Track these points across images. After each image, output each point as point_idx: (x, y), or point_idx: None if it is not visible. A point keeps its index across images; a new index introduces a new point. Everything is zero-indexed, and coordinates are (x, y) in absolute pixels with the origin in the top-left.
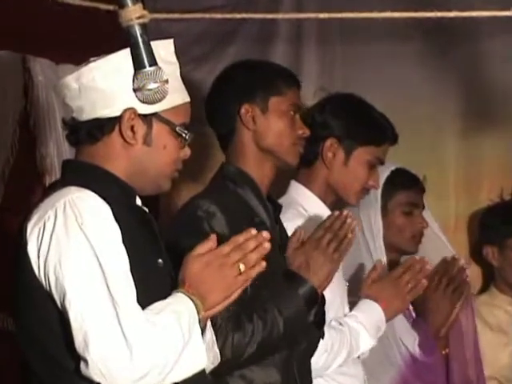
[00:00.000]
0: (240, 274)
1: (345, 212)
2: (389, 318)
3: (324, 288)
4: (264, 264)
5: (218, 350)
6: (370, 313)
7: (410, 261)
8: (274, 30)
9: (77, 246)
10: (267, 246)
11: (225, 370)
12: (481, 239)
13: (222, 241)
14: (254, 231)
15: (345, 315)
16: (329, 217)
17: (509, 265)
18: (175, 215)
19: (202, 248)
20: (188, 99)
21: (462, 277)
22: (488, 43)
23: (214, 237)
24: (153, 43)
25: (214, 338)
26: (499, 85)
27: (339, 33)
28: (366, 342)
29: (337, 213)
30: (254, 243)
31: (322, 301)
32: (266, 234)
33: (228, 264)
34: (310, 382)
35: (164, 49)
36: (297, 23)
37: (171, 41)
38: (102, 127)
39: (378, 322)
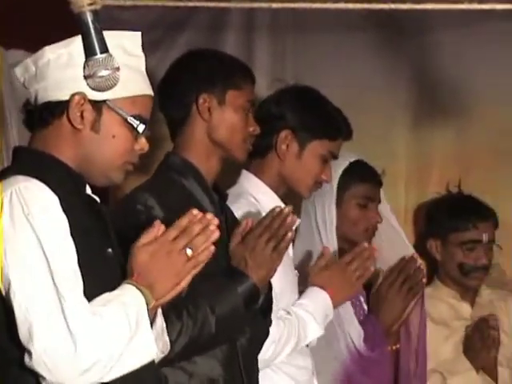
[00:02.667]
0: (189, 259)
1: (286, 209)
2: (336, 305)
3: (265, 283)
4: (213, 248)
5: (167, 338)
6: (317, 301)
7: (358, 248)
8: (226, 18)
9: (22, 237)
10: (213, 228)
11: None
12: (425, 232)
13: None
14: (195, 211)
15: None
16: (268, 213)
17: (451, 259)
18: (117, 206)
19: (147, 237)
20: (149, 92)
21: (418, 276)
22: (440, 35)
23: (158, 223)
24: (119, 33)
25: (165, 325)
26: (450, 77)
27: (292, 23)
28: (314, 331)
29: (277, 209)
30: (200, 226)
31: (269, 288)
32: (210, 216)
33: (175, 250)
34: (257, 373)
35: (130, 40)
36: (249, 12)
37: (139, 34)
38: (52, 110)
39: (326, 309)
